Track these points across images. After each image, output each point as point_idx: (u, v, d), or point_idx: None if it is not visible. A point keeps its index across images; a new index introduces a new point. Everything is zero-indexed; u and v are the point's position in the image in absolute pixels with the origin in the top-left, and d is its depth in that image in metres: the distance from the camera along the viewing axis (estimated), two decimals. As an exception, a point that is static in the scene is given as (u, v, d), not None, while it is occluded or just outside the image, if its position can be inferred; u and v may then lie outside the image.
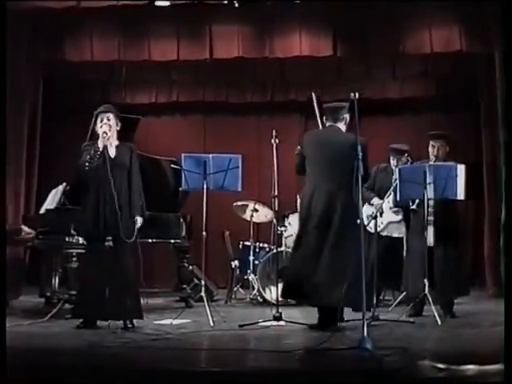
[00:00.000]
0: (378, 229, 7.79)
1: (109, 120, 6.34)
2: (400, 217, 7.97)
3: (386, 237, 8.08)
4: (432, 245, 7.13)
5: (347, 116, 6.53)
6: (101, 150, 6.22)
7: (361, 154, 5.51)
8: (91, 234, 6.33)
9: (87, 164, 6.19)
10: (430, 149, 7.42)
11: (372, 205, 7.84)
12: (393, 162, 8.12)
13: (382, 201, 7.56)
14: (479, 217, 10.42)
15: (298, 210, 6.97)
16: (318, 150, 6.46)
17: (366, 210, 7.71)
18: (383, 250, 7.90)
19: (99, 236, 6.27)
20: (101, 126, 6.32)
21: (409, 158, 8.03)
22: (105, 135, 6.25)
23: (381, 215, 7.92)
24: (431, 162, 7.23)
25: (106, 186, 6.16)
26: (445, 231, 7.21)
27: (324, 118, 6.62)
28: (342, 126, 6.54)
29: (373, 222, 7.43)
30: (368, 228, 7.53)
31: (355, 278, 5.59)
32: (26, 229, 7.78)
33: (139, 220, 6.35)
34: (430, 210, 7.17)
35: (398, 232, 8.02)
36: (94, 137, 6.48)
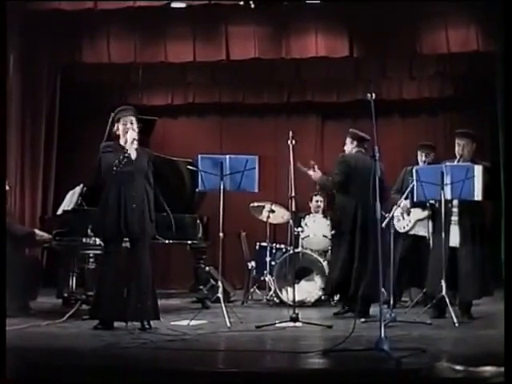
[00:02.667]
0: (407, 228, 7.97)
1: (132, 124, 6.29)
2: (426, 212, 7.78)
3: (413, 235, 8.08)
4: (457, 245, 7.02)
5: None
6: (129, 155, 6.20)
7: (378, 154, 5.50)
8: (110, 235, 6.32)
9: (115, 168, 6.16)
10: (456, 147, 7.19)
11: (400, 206, 7.75)
12: (421, 158, 8.12)
13: (407, 201, 7.49)
14: (499, 217, 10.34)
15: (339, 221, 7.48)
16: (359, 171, 7.09)
17: (396, 212, 7.66)
18: (411, 250, 7.91)
19: (117, 237, 6.28)
20: (126, 131, 6.26)
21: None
22: (135, 142, 6.22)
23: (408, 214, 7.92)
24: (448, 163, 7.09)
25: (128, 188, 6.15)
26: (470, 231, 7.05)
27: (353, 142, 7.43)
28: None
29: (399, 222, 7.70)
30: (397, 228, 7.57)
31: (377, 276, 5.85)
32: (39, 232, 7.80)
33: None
34: (454, 209, 7.09)
35: (424, 230, 7.95)
36: (110, 137, 6.46)
